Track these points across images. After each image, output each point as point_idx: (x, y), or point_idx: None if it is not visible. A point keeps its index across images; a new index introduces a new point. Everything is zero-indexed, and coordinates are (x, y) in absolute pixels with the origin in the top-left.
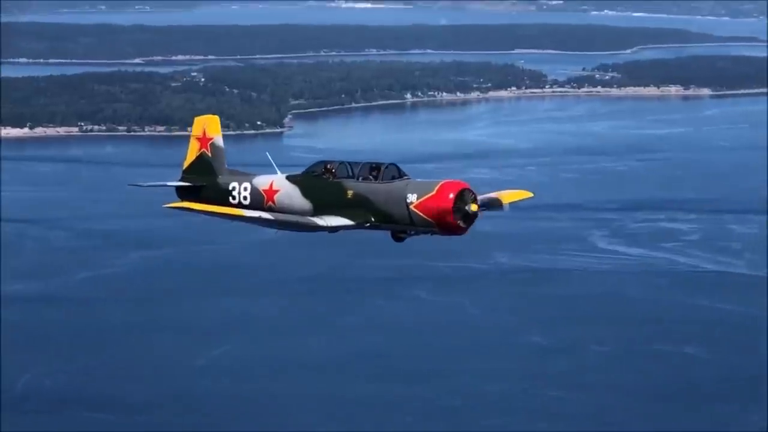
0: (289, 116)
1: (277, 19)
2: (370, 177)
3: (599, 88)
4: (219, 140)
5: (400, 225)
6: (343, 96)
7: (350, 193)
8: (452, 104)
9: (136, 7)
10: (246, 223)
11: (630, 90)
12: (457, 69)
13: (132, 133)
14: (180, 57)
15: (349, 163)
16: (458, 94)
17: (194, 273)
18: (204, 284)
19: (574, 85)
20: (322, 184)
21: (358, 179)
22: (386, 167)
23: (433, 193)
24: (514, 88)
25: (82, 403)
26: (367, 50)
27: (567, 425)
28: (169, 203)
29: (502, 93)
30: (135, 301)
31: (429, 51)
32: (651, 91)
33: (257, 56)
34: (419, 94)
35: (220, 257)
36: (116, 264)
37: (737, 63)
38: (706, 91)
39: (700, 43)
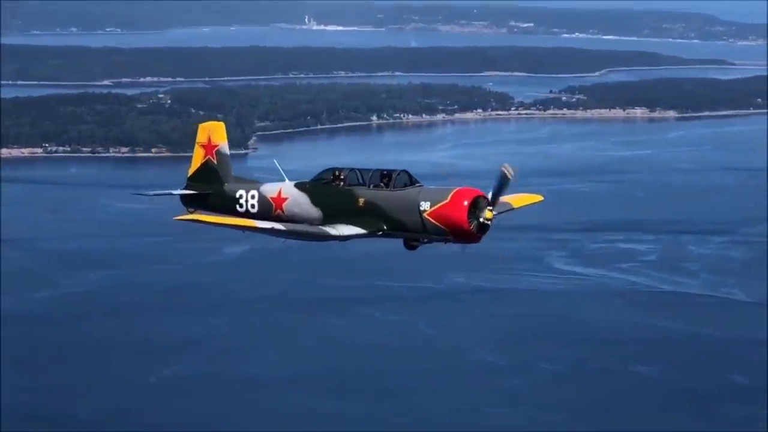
0: (255, 138)
1: (247, 41)
2: (381, 184)
3: (565, 111)
4: (225, 147)
5: (412, 233)
6: (308, 118)
7: (361, 200)
8: (418, 126)
9: (108, 29)
10: (256, 233)
11: (596, 112)
12: (423, 91)
13: (96, 154)
14: (148, 79)
15: (359, 169)
16: (424, 116)
17: (151, 292)
18: (160, 303)
19: (540, 107)
20: (331, 191)
21: (369, 186)
22: (398, 174)
23: (447, 200)
24: (480, 110)
25: (31, 418)
26: (335, 72)
27: None
28: (179, 216)
29: (468, 115)
30: (91, 320)
31: (398, 73)
32: (617, 113)
33: (225, 78)
34: (385, 116)
35: (178, 277)
36: (75, 284)
37: (704, 85)
38: (671, 114)
39: (669, 66)
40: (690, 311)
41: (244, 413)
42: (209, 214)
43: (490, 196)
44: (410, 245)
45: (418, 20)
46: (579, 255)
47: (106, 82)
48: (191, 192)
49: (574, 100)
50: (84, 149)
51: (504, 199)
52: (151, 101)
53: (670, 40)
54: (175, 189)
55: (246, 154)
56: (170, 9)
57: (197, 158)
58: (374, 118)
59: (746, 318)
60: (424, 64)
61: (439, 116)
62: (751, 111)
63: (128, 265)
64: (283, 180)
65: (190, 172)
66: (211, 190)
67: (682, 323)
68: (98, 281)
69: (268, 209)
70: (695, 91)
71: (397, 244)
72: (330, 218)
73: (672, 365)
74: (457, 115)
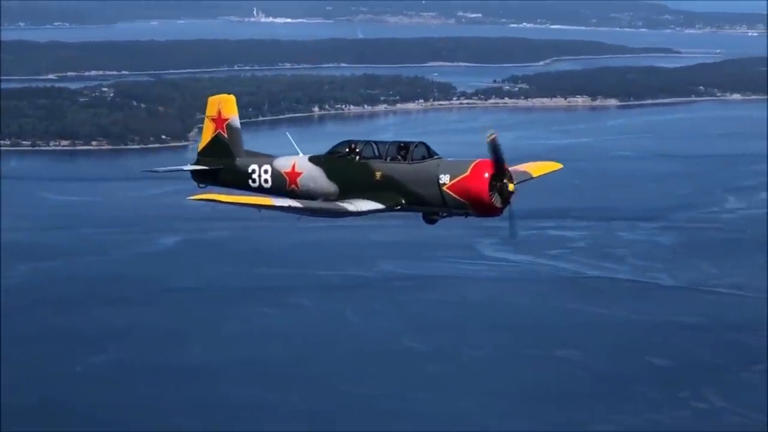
0: (196, 130)
1: (195, 34)
2: (399, 157)
3: (506, 100)
4: (235, 121)
5: (432, 207)
6: (250, 110)
7: (378, 174)
8: (359, 117)
9: (56, 24)
10: (272, 211)
11: (537, 101)
12: (367, 82)
13: (36, 148)
14: (93, 73)
15: (375, 142)
16: (366, 106)
17: (82, 284)
18: (90, 294)
19: (482, 96)
20: (347, 165)
21: (385, 159)
22: (416, 146)
23: (467, 173)
24: (421, 101)
25: None
26: (281, 64)
27: (435, 426)
28: (193, 195)
29: (410, 105)
30: (21, 311)
31: (343, 65)
32: (558, 102)
33: (170, 71)
34: (326, 107)
35: (110, 268)
36: (5, 276)
37: (647, 74)
38: (613, 102)
39: (614, 55)
40: (616, 296)
41: (169, 401)
42: (222, 192)
43: (509, 168)
44: (430, 219)
45: (367, 12)
46: (509, 242)
47: (50, 76)
48: (203, 167)
49: (516, 89)
50: (24, 143)
51: (522, 167)
52: (93, 95)
53: (618, 29)
54: (162, 168)
55: (186, 146)
56: (119, 3)
57: (207, 132)
58: (316, 109)
59: (671, 302)
60: (370, 56)
61: (381, 107)
62: (693, 99)
63: (60, 257)
64: (296, 154)
65: (200, 146)
66: (222, 165)
67: (608, 308)
68: (29, 273)
69: (281, 184)
70: (638, 80)
71: (323, 232)
72: (346, 193)
73: (595, 350)
74: (399, 106)
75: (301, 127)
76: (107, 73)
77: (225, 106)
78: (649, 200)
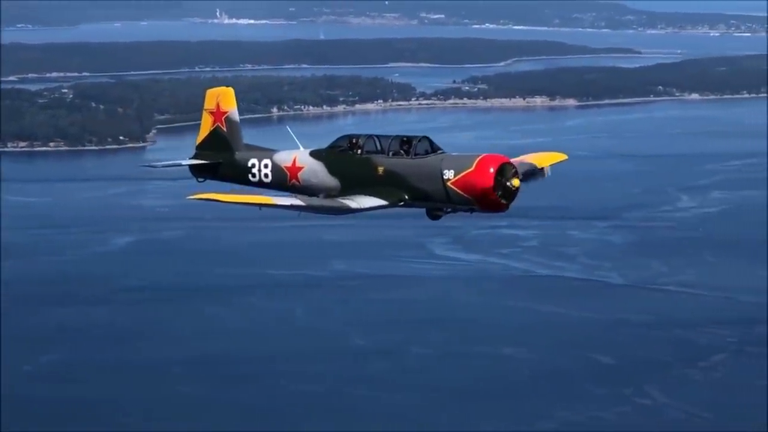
0: (154, 131)
1: (157, 36)
2: (401, 151)
3: (465, 100)
4: (234, 114)
5: (436, 203)
6: None
7: (381, 169)
8: (318, 117)
9: (18, 25)
10: (273, 209)
11: (496, 101)
12: (327, 83)
13: None
14: (54, 74)
15: (377, 136)
16: (325, 107)
17: (36, 284)
18: (44, 294)
19: (441, 97)
20: (349, 160)
21: (388, 154)
22: (419, 141)
23: (472, 168)
24: (380, 101)
25: None
26: (241, 65)
27: (377, 424)
28: (192, 195)
29: (369, 106)
30: None
31: (304, 66)
32: (517, 102)
33: (131, 72)
34: (285, 107)
35: (63, 268)
36: None
37: (607, 74)
38: (571, 102)
39: (575, 55)
40: (565, 295)
41: (119, 399)
42: (222, 192)
43: (519, 170)
44: (433, 215)
45: (330, 13)
46: (460, 241)
47: (11, 78)
48: (201, 162)
49: (475, 89)
50: None
51: (526, 158)
52: (53, 96)
53: (580, 29)
54: (158, 164)
55: (144, 147)
56: (82, 5)
57: (205, 126)
58: (275, 109)
59: (619, 300)
60: (332, 57)
61: (340, 107)
62: (651, 99)
63: (16, 258)
64: (297, 148)
65: (199, 140)
66: (221, 159)
67: (556, 306)
68: None
69: (282, 179)
70: (597, 80)
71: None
72: (348, 188)
73: (541, 347)
74: (358, 106)
75: (260, 128)
76: (68, 74)
77: (223, 98)
78: (603, 199)
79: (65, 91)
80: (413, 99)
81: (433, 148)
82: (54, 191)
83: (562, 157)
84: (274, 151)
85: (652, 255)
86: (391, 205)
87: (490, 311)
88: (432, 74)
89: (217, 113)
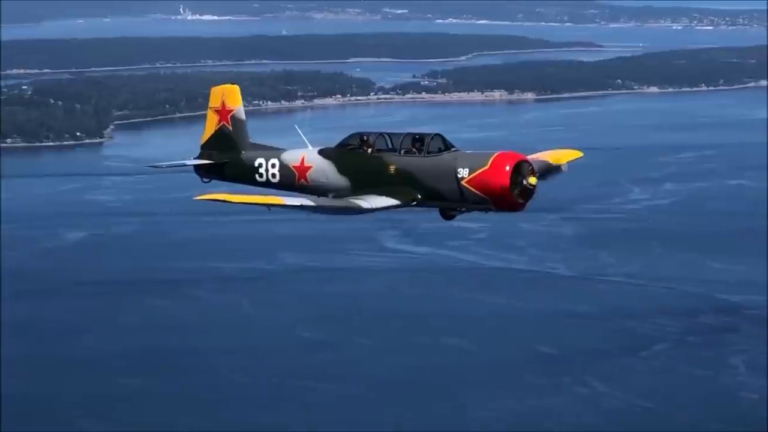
0: (112, 127)
1: (119, 32)
2: (414, 149)
3: (424, 95)
4: (240, 112)
5: (450, 202)
6: (167, 106)
7: (392, 168)
8: (277, 113)
9: None
10: (283, 209)
11: (455, 96)
12: (286, 78)
13: None
14: (15, 71)
15: (388, 134)
16: (283, 102)
17: None
18: None
19: (399, 91)
20: (359, 158)
21: (399, 152)
22: (431, 138)
23: (487, 166)
24: (339, 96)
25: None
26: (203, 62)
27: (322, 416)
28: (199, 195)
29: (328, 101)
30: None
31: (265, 61)
32: (475, 96)
33: (92, 69)
34: (244, 103)
35: (14, 263)
36: None
37: (566, 68)
38: (530, 96)
39: (537, 49)
40: (511, 286)
41: (59, 393)
42: (229, 192)
43: (535, 166)
44: (447, 215)
45: (293, 9)
46: (411, 234)
47: None
48: (207, 162)
49: (434, 84)
50: None
51: (541, 156)
52: (12, 93)
53: (543, 23)
54: (163, 163)
55: (101, 143)
56: (46, 2)
57: (211, 124)
58: None
59: (565, 292)
60: (293, 52)
61: (299, 102)
62: (610, 92)
63: None
64: (305, 147)
65: (204, 139)
66: (227, 158)
67: (501, 298)
68: None
69: (290, 179)
70: (556, 74)
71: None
72: (358, 188)
73: (484, 338)
74: (317, 101)
75: None
76: (29, 71)
77: (229, 96)
78: (555, 192)
79: (25, 87)
80: (372, 94)
81: (447, 146)
82: (9, 187)
83: (578, 154)
84: (281, 150)
85: (601, 247)
86: (404, 205)
87: (436, 303)
88: (393, 69)
89: (223, 111)
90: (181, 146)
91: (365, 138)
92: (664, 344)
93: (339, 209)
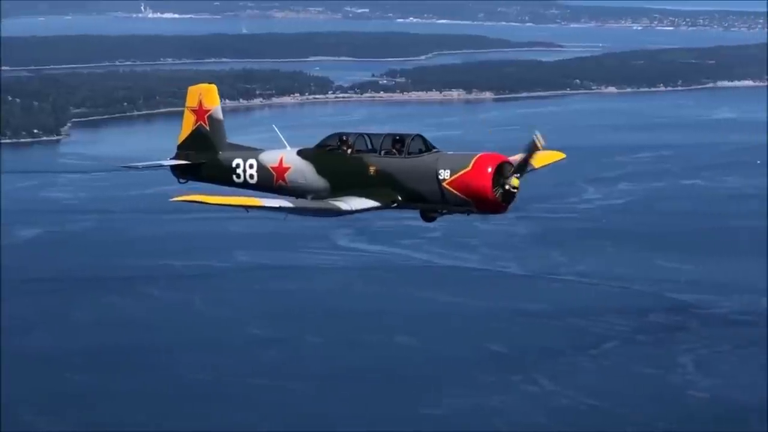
0: (69, 124)
1: (79, 30)
2: (394, 150)
3: (382, 94)
4: (218, 112)
5: (431, 204)
6: (125, 104)
7: (372, 169)
8: (235, 111)
9: None
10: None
11: (413, 95)
12: (245, 77)
13: None
14: None
15: (368, 134)
16: (241, 100)
17: None
18: None
19: (358, 90)
20: (339, 159)
21: (380, 153)
22: (412, 139)
23: (469, 168)
24: (297, 95)
25: None
26: (162, 60)
27: (271, 412)
28: (176, 197)
29: (286, 99)
30: None
31: (225, 60)
32: (434, 95)
33: (51, 66)
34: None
35: None
36: None
37: (525, 68)
38: (488, 95)
39: (497, 49)
40: (463, 285)
41: (9, 392)
42: (205, 193)
43: (515, 160)
44: (428, 217)
45: (254, 7)
46: (365, 233)
47: None
48: (183, 162)
49: (393, 83)
50: None
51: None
52: None
53: (504, 23)
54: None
55: (58, 140)
56: (6, 0)
57: (187, 124)
58: None
59: (516, 290)
60: (253, 51)
61: (257, 101)
62: (568, 92)
63: None
64: (283, 147)
65: (180, 139)
66: (204, 159)
67: (452, 296)
68: None
69: (268, 180)
70: (515, 73)
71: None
72: (337, 189)
73: (435, 336)
74: (275, 100)
75: (177, 121)
76: None
77: (206, 96)
78: None
79: None
80: (330, 92)
81: (428, 147)
82: None
83: (561, 155)
84: (259, 150)
85: (553, 246)
86: (384, 206)
87: (388, 301)
88: (352, 68)
89: (200, 111)
90: (139, 144)
91: (344, 138)
92: (613, 343)
93: (318, 211)
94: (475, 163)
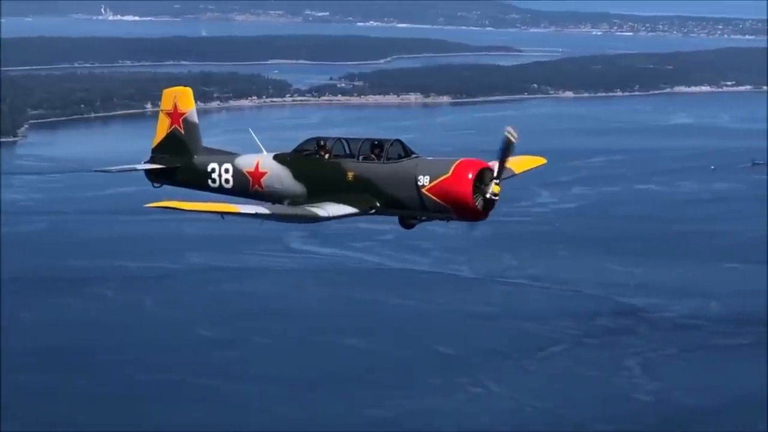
0: (26, 126)
1: (39, 32)
2: (373, 155)
3: (339, 97)
4: (193, 115)
5: (409, 210)
6: (82, 106)
7: (350, 175)
8: None
9: None
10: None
11: (371, 98)
12: (203, 79)
13: None
14: None
15: (346, 139)
16: (199, 103)
17: None
18: None
19: (315, 94)
20: (316, 164)
21: (358, 158)
22: (391, 144)
23: (449, 174)
24: (255, 98)
25: None
26: (121, 62)
27: (219, 413)
28: (150, 203)
29: (243, 102)
30: None
31: (184, 62)
32: (391, 99)
33: (8, 68)
34: (159, 103)
35: None
36: None
37: (483, 72)
38: (445, 99)
39: (456, 53)
40: (413, 287)
41: None
42: (181, 200)
43: (495, 166)
44: (407, 224)
45: (215, 10)
46: (318, 235)
47: None
48: (157, 166)
49: (350, 86)
50: None
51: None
52: None
53: (464, 27)
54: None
55: (15, 141)
56: None
57: (162, 128)
58: (149, 105)
59: (466, 293)
60: (213, 54)
61: (214, 104)
62: (525, 96)
63: None
64: (260, 152)
65: (155, 143)
66: (179, 163)
67: (402, 298)
68: None
69: (244, 185)
70: (473, 77)
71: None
72: (315, 195)
73: (384, 338)
74: (232, 102)
75: (134, 123)
76: None
77: (181, 99)
78: None
79: None
80: (287, 96)
81: (407, 152)
82: None
83: (541, 161)
84: (235, 155)
85: (505, 249)
86: (362, 213)
87: (338, 303)
88: (311, 71)
89: (175, 114)
90: (96, 146)
91: (322, 143)
92: (561, 346)
93: (294, 217)
94: (455, 169)
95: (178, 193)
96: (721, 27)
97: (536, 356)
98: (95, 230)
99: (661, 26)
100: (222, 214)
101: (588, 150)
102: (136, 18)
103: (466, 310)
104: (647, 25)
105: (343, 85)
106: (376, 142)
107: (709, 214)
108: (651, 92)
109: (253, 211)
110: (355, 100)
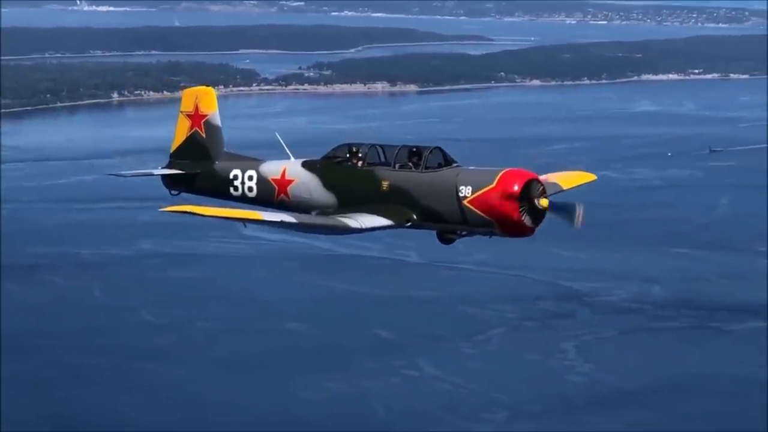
0: None
1: (11, 22)
2: (410, 164)
3: (306, 86)
4: (216, 117)
5: (449, 224)
6: (48, 96)
7: (385, 184)
8: (159, 102)
9: None
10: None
11: (338, 87)
12: (171, 69)
13: None
14: None
15: (381, 146)
16: (165, 92)
17: None
18: None
19: (282, 83)
20: (348, 172)
21: (394, 167)
22: (430, 152)
23: (493, 185)
24: (221, 87)
25: None
26: (91, 52)
27: (154, 395)
28: (166, 207)
29: None
30: None
31: (154, 52)
32: (358, 88)
33: None
34: (126, 93)
35: None
36: None
37: (452, 61)
38: (412, 87)
39: (427, 42)
40: (360, 272)
41: None
42: (199, 204)
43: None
44: (446, 238)
45: (189, 0)
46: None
47: None
48: (176, 172)
49: (318, 75)
50: None
51: (551, 177)
52: None
53: (438, 17)
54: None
55: None
56: None
57: (181, 131)
58: (115, 95)
59: (412, 278)
60: (184, 43)
61: (179, 93)
62: (492, 84)
63: None
64: (287, 158)
65: (173, 147)
66: (198, 169)
67: (348, 284)
68: None
69: (269, 193)
70: (441, 66)
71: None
72: (346, 205)
73: (325, 322)
74: None
75: (101, 113)
76: None
77: (203, 100)
78: None
79: None
80: (254, 85)
81: (447, 161)
82: None
83: (591, 177)
84: (260, 161)
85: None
86: (398, 225)
87: (284, 288)
88: (281, 61)
89: (196, 116)
90: (61, 135)
91: (355, 150)
92: (500, 329)
93: (324, 228)
94: (499, 179)
95: (176, 199)
96: (695, 15)
97: (474, 339)
98: (51, 218)
99: (635, 15)
100: (244, 221)
101: (548, 138)
102: (111, 8)
103: (409, 294)
104: (621, 13)
105: (311, 74)
106: (414, 150)
107: (660, 200)
108: (618, 80)
109: (279, 219)
110: (322, 89)
